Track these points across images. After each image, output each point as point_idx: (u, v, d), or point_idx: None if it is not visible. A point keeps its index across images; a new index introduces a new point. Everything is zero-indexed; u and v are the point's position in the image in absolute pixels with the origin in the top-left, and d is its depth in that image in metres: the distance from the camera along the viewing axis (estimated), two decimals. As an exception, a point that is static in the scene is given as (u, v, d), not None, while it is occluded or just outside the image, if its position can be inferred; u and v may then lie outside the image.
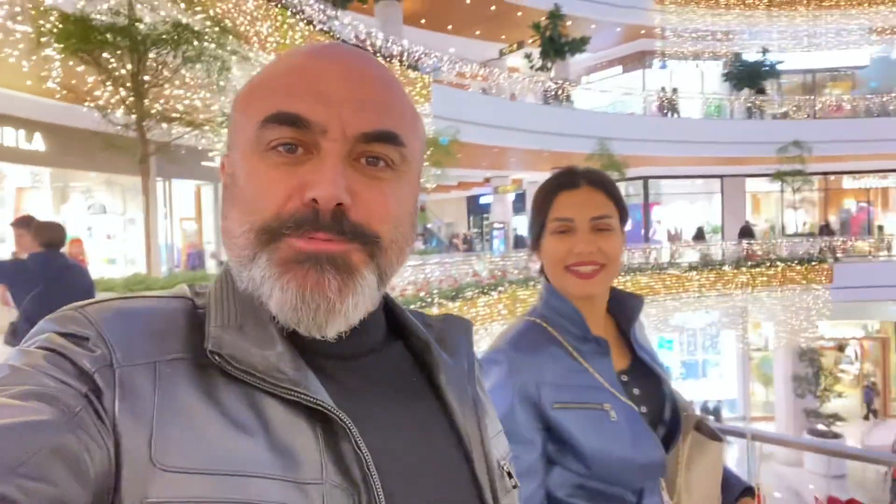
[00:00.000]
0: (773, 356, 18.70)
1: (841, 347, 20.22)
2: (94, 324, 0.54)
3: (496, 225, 19.65)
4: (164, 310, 0.59)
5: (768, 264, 16.27)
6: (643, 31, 20.49)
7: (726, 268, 15.88)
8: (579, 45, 16.46)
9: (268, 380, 0.54)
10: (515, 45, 19.87)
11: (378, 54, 10.23)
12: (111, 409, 0.50)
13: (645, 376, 1.27)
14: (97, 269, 8.66)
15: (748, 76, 18.95)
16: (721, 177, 20.08)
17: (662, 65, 22.16)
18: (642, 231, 20.30)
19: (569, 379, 1.17)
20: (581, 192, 1.24)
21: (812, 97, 19.76)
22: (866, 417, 18.66)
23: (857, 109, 19.29)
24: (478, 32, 20.14)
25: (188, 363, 0.54)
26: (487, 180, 21.08)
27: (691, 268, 15.80)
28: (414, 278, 10.22)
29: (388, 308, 0.70)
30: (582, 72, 22.24)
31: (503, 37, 20.39)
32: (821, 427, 16.31)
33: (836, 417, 16.50)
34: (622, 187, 8.81)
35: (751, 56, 19.56)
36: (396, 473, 0.56)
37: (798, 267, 16.31)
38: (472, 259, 13.63)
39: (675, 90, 18.79)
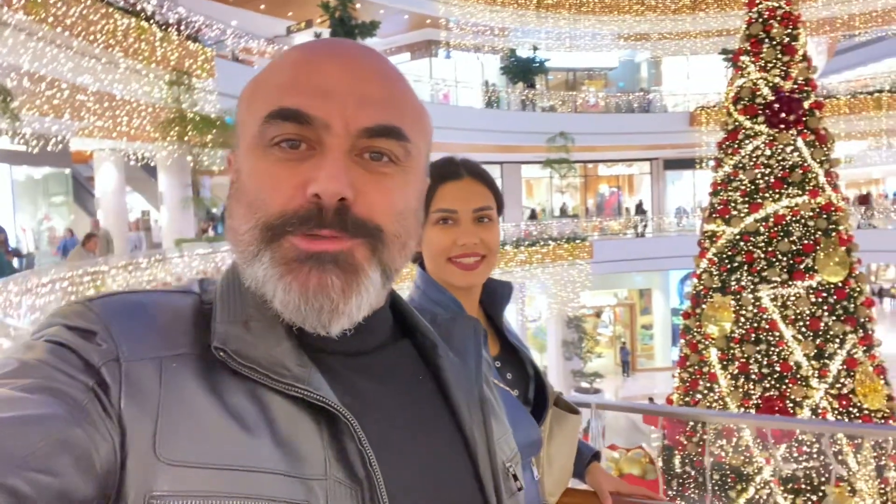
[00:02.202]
0: (546, 325, 20.81)
1: (598, 314, 23.14)
2: (102, 318, 0.54)
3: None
4: (170, 305, 0.59)
5: (542, 243, 17.99)
6: (429, 21, 21.17)
7: (507, 247, 17.24)
8: (369, 29, 16.47)
9: (272, 376, 0.54)
10: (304, 24, 19.29)
11: (151, 21, 9.24)
12: (117, 404, 0.50)
13: (514, 360, 1.31)
14: None
15: (521, 71, 20.59)
16: (501, 163, 21.66)
17: (447, 55, 23.16)
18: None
19: None
20: (464, 184, 1.24)
21: (574, 93, 22.16)
22: (625, 372, 21.65)
23: (609, 106, 22.05)
24: (262, 7, 19.16)
25: (194, 358, 0.55)
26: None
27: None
28: (204, 267, 9.51)
29: (396, 305, 0.70)
30: (370, 56, 22.27)
31: (290, 14, 19.66)
32: (584, 384, 18.61)
33: (596, 375, 18.94)
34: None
35: (523, 52, 21.24)
36: (400, 471, 0.57)
37: (566, 245, 18.27)
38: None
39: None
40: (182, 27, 9.72)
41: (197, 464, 0.49)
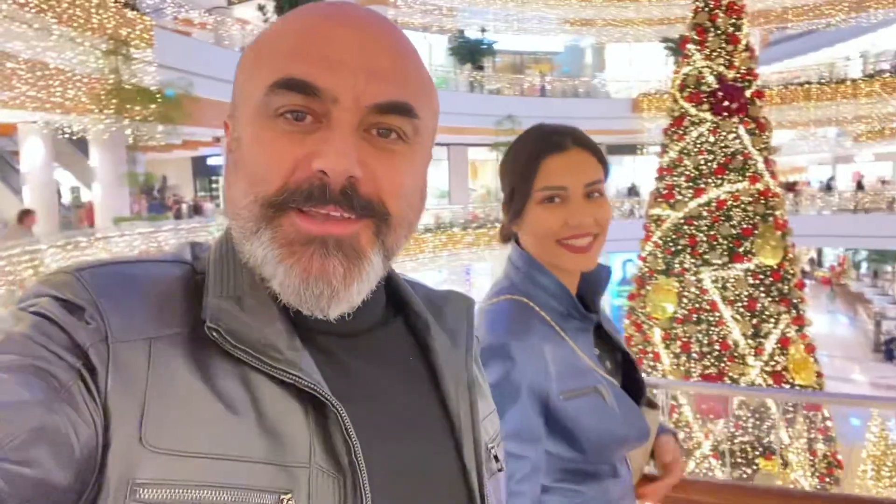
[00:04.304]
0: (491, 307, 21.04)
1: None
2: (91, 291, 0.52)
3: (229, 188, 18.50)
4: (162, 277, 0.57)
5: (489, 226, 18.13)
6: (376, -2, 20.82)
7: (455, 229, 17.31)
8: (316, 2, 16.07)
9: (264, 360, 0.53)
10: (246, -5, 18.62)
11: (84, -14, 8.71)
12: (103, 388, 0.49)
13: (609, 347, 1.21)
14: None
15: (469, 52, 20.56)
16: (448, 145, 21.65)
17: (394, 33, 22.82)
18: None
19: (567, 364, 1.08)
20: (571, 155, 1.10)
21: (521, 76, 22.29)
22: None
23: (554, 90, 22.29)
24: (202, -25, 18.39)
25: (184, 338, 0.53)
26: (218, 139, 19.63)
27: (426, 230, 16.88)
28: (146, 247, 9.15)
29: (389, 279, 0.68)
30: (315, 32, 21.79)
31: (231, -16, 18.95)
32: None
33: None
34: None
35: (472, 34, 21.19)
36: (385, 461, 0.56)
37: (513, 227, 18.44)
38: (210, 225, 12.65)
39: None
40: (119, -7, 9.24)
41: (183, 452, 0.49)
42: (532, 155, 1.12)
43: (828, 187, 21.20)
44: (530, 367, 1.04)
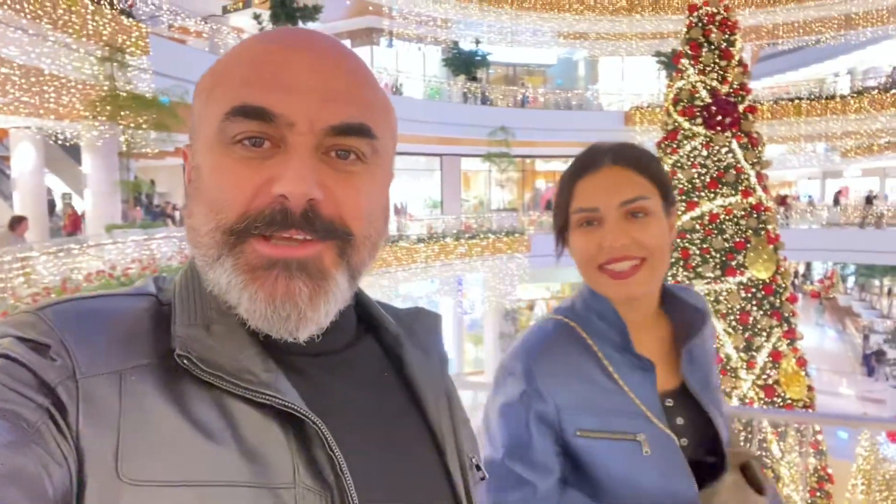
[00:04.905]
0: (483, 318, 21.06)
1: (531, 307, 23.61)
2: (56, 329, 0.51)
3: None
4: (128, 311, 0.56)
5: (481, 236, 18.16)
6: (371, 8, 20.91)
7: (447, 240, 17.31)
8: (311, 13, 16.10)
9: (238, 383, 0.53)
10: (241, 4, 18.67)
11: (80, -8, 8.69)
12: (74, 425, 0.48)
13: (692, 404, 1.06)
14: None
15: (464, 64, 20.67)
16: (441, 155, 21.69)
17: (389, 43, 22.96)
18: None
19: (597, 400, 1.00)
20: (605, 174, 1.03)
21: (515, 88, 22.42)
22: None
23: (548, 102, 22.43)
24: (197, -16, 18.41)
25: (154, 368, 0.53)
26: (210, 147, 19.58)
27: (419, 240, 16.88)
28: (139, 255, 9.09)
29: (358, 300, 0.68)
30: (310, 41, 21.82)
31: (226, -7, 18.97)
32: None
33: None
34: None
35: (466, 45, 21.33)
36: (370, 473, 0.56)
37: (505, 238, 18.51)
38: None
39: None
40: (115, 0, 9.20)
41: (161, 482, 0.48)
42: (567, 178, 1.07)
43: (835, 202, 21.38)
44: (540, 395, 1.00)
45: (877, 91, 18.61)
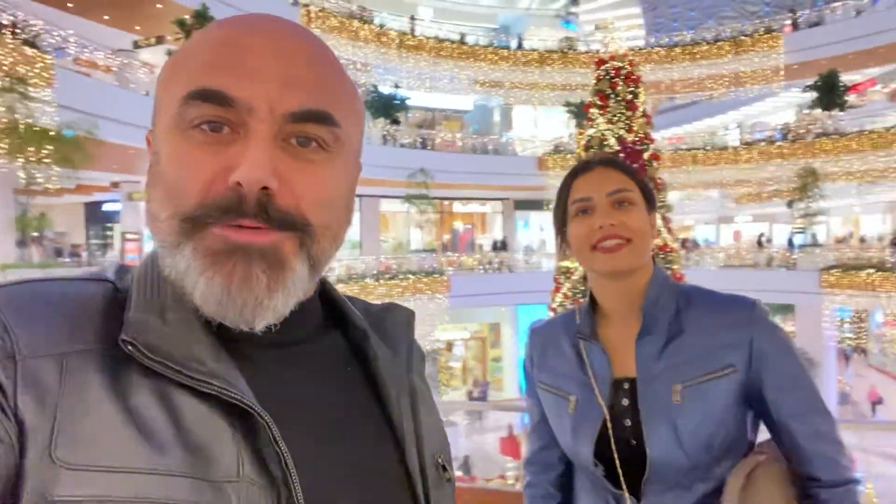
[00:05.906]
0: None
1: (449, 347, 23.66)
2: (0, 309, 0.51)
3: (129, 236, 17.55)
4: (78, 294, 0.56)
5: (401, 277, 18.16)
6: (290, 50, 20.87)
7: (367, 280, 17.19)
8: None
9: (184, 372, 0.52)
10: (154, 40, 18.19)
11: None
12: (13, 402, 0.48)
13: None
14: None
15: (384, 107, 20.91)
16: (360, 196, 21.60)
17: (307, 85, 22.89)
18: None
19: (556, 363, 1.30)
20: (596, 172, 1.25)
21: (434, 132, 22.90)
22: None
23: (465, 146, 23.01)
24: (106, 18, 17.80)
25: (100, 354, 0.52)
26: (116, 185, 18.68)
27: (339, 281, 16.66)
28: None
29: (327, 295, 0.67)
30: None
31: (137, 28, 18.41)
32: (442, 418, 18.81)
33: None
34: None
35: (385, 89, 21.64)
36: (320, 469, 0.55)
37: (425, 279, 18.59)
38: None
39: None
40: (18, 31, 8.76)
41: (95, 467, 0.47)
42: (567, 178, 1.30)
43: (758, 243, 22.75)
44: (529, 349, 1.36)
45: (764, 143, 20.35)
